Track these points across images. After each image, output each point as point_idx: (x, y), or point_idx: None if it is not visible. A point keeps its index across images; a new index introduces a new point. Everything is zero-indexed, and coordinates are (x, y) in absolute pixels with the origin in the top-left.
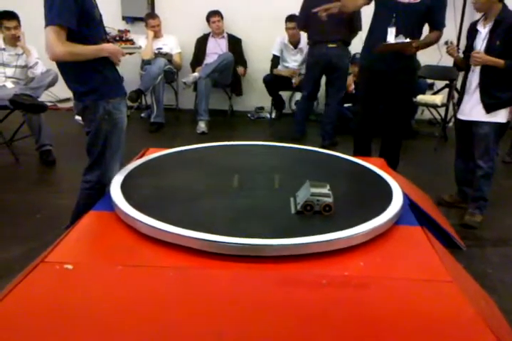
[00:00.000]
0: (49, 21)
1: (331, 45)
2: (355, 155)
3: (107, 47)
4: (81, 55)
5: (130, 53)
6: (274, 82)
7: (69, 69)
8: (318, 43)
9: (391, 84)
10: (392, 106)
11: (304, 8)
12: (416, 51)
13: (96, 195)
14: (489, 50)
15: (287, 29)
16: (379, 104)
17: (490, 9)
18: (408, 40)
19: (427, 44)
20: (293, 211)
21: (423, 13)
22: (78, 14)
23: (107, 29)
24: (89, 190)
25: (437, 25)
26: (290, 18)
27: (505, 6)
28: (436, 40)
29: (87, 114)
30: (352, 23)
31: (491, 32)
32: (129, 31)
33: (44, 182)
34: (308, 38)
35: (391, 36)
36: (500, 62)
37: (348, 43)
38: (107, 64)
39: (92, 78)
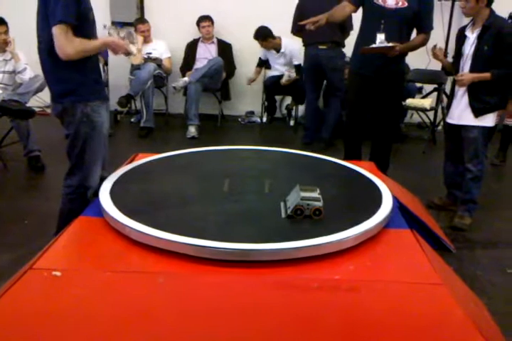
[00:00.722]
0: (55, 20)
1: (321, 47)
2: (345, 159)
3: (108, 40)
4: (88, 52)
5: (128, 54)
6: (274, 85)
7: (49, 68)
8: (309, 45)
9: (379, 88)
10: (381, 111)
11: (295, 15)
12: (398, 54)
13: (79, 199)
14: (477, 55)
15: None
16: (368, 109)
17: (478, 14)
18: (391, 44)
19: (412, 47)
20: (283, 215)
21: (410, 17)
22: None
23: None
24: (71, 194)
25: (424, 29)
26: (255, 37)
27: (492, 12)
28: (422, 43)
29: (66, 116)
30: (343, 23)
31: (479, 37)
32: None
33: (32, 188)
34: (303, 40)
35: (380, 43)
36: (487, 75)
37: (341, 44)
38: (89, 65)
39: (71, 78)
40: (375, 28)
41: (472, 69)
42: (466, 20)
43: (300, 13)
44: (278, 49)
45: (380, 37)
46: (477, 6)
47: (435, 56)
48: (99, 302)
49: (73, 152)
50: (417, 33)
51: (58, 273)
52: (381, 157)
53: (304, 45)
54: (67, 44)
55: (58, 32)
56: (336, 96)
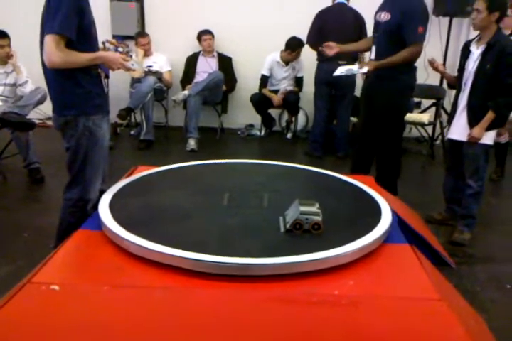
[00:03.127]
0: (50, 29)
1: (341, 62)
2: (352, 172)
3: (101, 55)
4: (76, 64)
5: (128, 69)
6: (262, 101)
7: (52, 80)
8: (328, 60)
9: (374, 105)
10: (378, 129)
11: (315, 26)
12: (374, 71)
13: (78, 212)
14: (480, 72)
15: (285, 53)
16: (372, 126)
17: (486, 29)
18: (362, 70)
19: (393, 62)
20: (282, 230)
21: (394, 30)
22: (77, 28)
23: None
24: (71, 207)
25: (408, 40)
26: (287, 46)
27: (499, 29)
28: (407, 57)
29: (67, 130)
30: (359, 38)
31: (483, 54)
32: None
33: (32, 200)
34: (318, 54)
35: (372, 54)
36: (490, 117)
37: (357, 59)
38: (91, 78)
39: (73, 92)
40: (373, 42)
41: (473, 87)
42: (463, 37)
43: (319, 26)
44: (288, 62)
45: (373, 49)
46: (488, 18)
47: (433, 66)
48: (97, 316)
49: (74, 165)
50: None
51: (56, 287)
52: (387, 179)
53: (319, 60)
54: (55, 52)
55: (50, 40)
56: (346, 112)
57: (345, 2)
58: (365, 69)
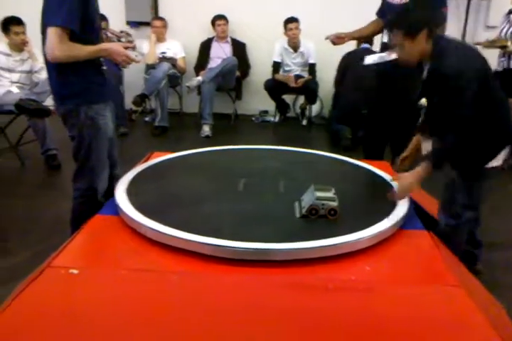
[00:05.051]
0: (53, 22)
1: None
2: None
3: (105, 47)
4: (79, 57)
5: (133, 60)
6: (276, 87)
7: (53, 71)
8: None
9: (396, 86)
10: (396, 113)
11: (340, 68)
12: None
13: (89, 202)
14: (429, 106)
15: (288, 30)
16: (390, 111)
17: (420, 56)
18: (392, 56)
19: None
20: (298, 215)
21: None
22: (81, 17)
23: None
24: (80, 198)
25: None
26: (291, 19)
27: (436, 44)
28: None
29: (69, 119)
30: None
31: (426, 83)
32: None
33: (49, 186)
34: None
35: (385, 37)
36: (427, 171)
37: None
38: (92, 67)
39: (74, 82)
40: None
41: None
42: (482, 19)
43: (343, 68)
44: (296, 48)
45: (385, 31)
46: (414, 44)
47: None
48: (116, 299)
49: (79, 155)
50: None
51: (75, 271)
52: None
53: None
54: (58, 46)
55: (53, 33)
56: None
57: (370, 47)
58: (394, 56)
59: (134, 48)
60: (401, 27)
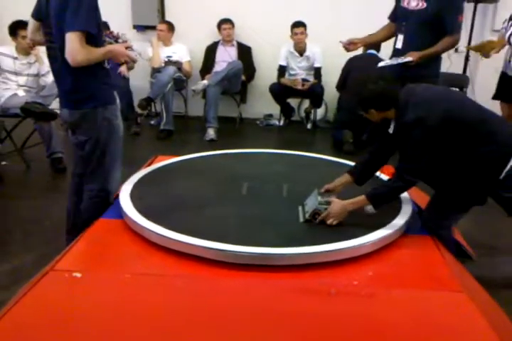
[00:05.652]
0: (74, 26)
1: None
2: None
3: (111, 49)
4: (95, 60)
5: (134, 60)
6: (281, 91)
7: (67, 76)
8: None
9: None
10: None
11: (343, 72)
12: (419, 61)
13: (101, 203)
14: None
15: (294, 35)
16: None
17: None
18: (407, 59)
19: (434, 52)
20: (302, 220)
21: (429, 19)
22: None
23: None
24: (94, 198)
25: (449, 30)
26: (297, 24)
27: (400, 105)
28: (448, 46)
29: (84, 123)
30: None
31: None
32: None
33: (54, 189)
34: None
35: (399, 43)
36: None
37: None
38: (102, 69)
39: (89, 84)
40: (399, 30)
41: None
42: (488, 23)
43: (346, 72)
44: (302, 52)
45: (400, 38)
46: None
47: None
48: (119, 303)
49: (93, 157)
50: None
51: (79, 275)
52: None
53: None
54: (80, 51)
55: (73, 38)
56: None
57: (376, 54)
58: (409, 58)
59: (131, 48)
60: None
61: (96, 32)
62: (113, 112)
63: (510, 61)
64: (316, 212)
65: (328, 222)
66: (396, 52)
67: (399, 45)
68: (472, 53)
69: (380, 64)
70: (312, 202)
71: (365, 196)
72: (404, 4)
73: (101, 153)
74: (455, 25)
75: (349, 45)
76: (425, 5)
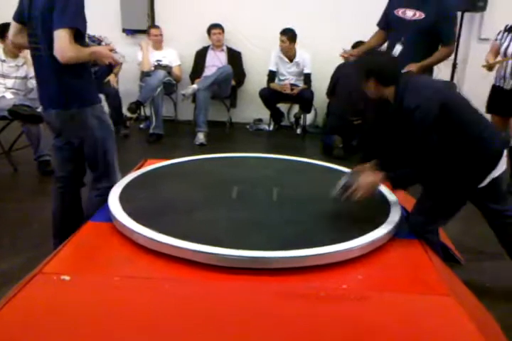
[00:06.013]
0: (62, 24)
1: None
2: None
3: (95, 50)
4: (83, 58)
5: (117, 62)
6: (271, 96)
7: (51, 77)
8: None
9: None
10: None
11: (333, 79)
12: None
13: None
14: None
15: (280, 41)
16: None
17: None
18: (405, 69)
19: (431, 63)
20: (334, 193)
21: (427, 29)
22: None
23: None
24: (102, 195)
25: (445, 41)
26: (283, 32)
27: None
28: (444, 57)
29: (73, 123)
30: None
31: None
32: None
33: (42, 192)
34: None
35: (397, 53)
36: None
37: None
38: (85, 69)
39: (75, 84)
40: (394, 40)
41: None
42: (475, 32)
43: (336, 79)
44: (291, 58)
45: (398, 48)
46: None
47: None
48: (107, 306)
49: (97, 158)
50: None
51: (67, 278)
52: None
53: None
54: (70, 47)
55: (63, 35)
56: None
57: None
58: (407, 69)
59: (115, 51)
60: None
61: (84, 29)
62: (100, 109)
63: (505, 75)
64: (348, 184)
65: (358, 195)
66: None
67: (396, 53)
68: (459, 61)
69: None
70: (344, 179)
71: (388, 177)
72: (399, 14)
73: (103, 151)
74: (451, 36)
75: (349, 57)
76: (423, 15)
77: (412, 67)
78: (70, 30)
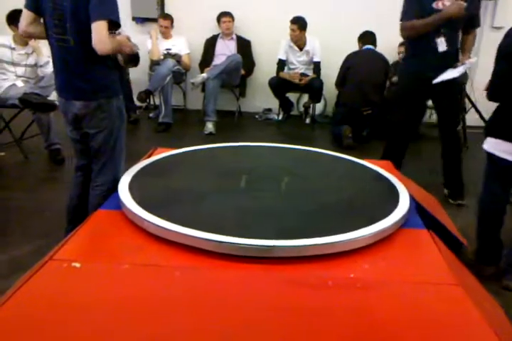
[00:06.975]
0: (102, 15)
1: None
2: (385, 158)
3: (120, 39)
4: (116, 50)
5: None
6: (280, 85)
7: (83, 68)
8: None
9: (439, 90)
10: (445, 113)
11: (343, 69)
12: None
13: (110, 194)
14: None
15: (290, 30)
16: (423, 111)
17: None
18: (465, 65)
19: (471, 49)
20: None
21: (467, 17)
22: None
23: None
24: (106, 191)
25: (474, 25)
26: (293, 20)
27: None
28: (475, 40)
29: (98, 113)
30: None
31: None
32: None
33: (53, 180)
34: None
35: (442, 46)
36: None
37: None
38: (111, 60)
39: (105, 75)
40: (433, 33)
41: None
42: (489, 19)
43: (347, 68)
44: (301, 47)
45: (441, 41)
46: None
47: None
48: (117, 293)
49: (107, 147)
50: (466, 32)
51: (78, 265)
52: (454, 175)
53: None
54: (107, 39)
55: (102, 27)
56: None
57: (373, 48)
58: (467, 65)
59: (129, 40)
60: None
61: (119, 21)
62: (122, 102)
63: None
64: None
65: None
66: (443, 55)
67: (443, 48)
68: (473, 51)
69: (438, 79)
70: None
71: None
72: (439, 6)
73: (114, 142)
74: (480, 21)
75: None
76: (465, 4)
77: (464, 59)
78: (106, 23)
